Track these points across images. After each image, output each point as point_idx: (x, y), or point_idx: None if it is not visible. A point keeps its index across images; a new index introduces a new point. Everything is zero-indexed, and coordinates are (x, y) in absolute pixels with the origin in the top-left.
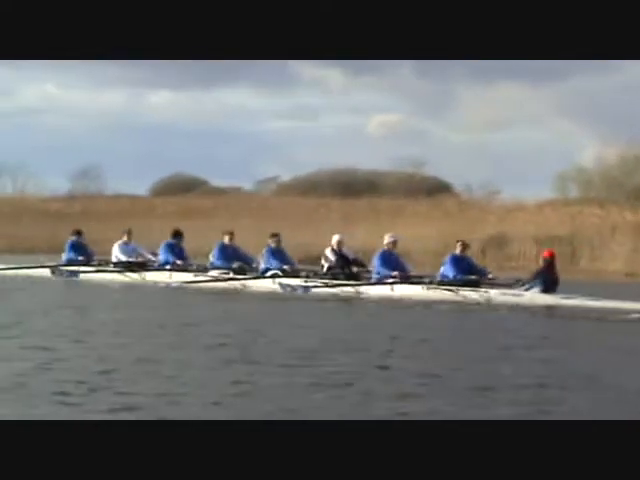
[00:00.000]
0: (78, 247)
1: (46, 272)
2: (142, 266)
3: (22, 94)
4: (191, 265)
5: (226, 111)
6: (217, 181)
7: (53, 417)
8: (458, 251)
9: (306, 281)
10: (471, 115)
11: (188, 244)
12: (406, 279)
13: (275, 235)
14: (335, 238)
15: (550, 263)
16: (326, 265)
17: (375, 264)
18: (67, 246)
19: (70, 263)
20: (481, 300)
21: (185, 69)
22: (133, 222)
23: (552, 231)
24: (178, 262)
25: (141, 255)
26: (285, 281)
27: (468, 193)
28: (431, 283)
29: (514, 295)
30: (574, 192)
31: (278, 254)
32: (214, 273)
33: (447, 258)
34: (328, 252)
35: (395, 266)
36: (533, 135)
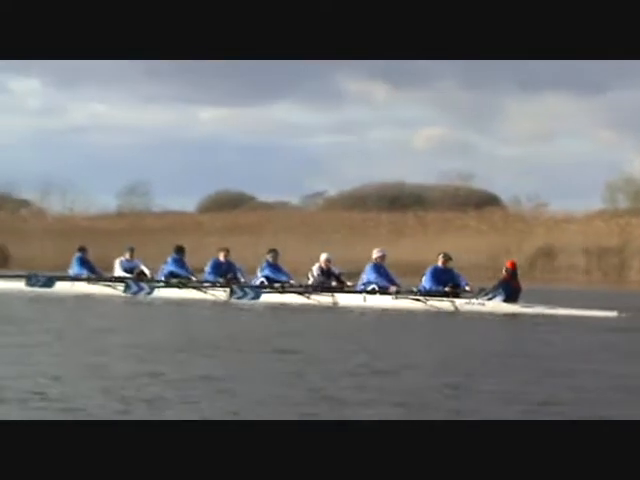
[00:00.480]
0: (83, 262)
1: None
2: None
3: (71, 113)
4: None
5: (273, 126)
6: (264, 196)
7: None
8: (440, 263)
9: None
10: (517, 127)
11: (236, 259)
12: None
13: (272, 250)
14: (323, 256)
15: (512, 273)
16: (310, 280)
17: (365, 276)
18: (74, 261)
19: (76, 277)
20: (447, 309)
21: (232, 85)
22: (181, 239)
23: (601, 242)
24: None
25: (141, 270)
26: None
27: (516, 206)
28: (399, 293)
29: (478, 304)
30: (623, 203)
31: (275, 268)
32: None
33: (427, 270)
34: (315, 269)
35: (385, 278)
36: (579, 146)
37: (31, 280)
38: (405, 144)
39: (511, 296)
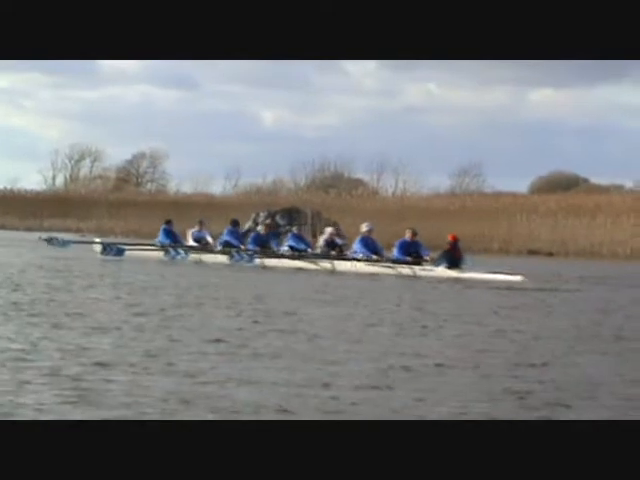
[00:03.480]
0: (168, 233)
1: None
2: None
3: (406, 94)
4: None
5: (609, 108)
6: (598, 179)
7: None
8: (407, 237)
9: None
10: None
11: (574, 242)
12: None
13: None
14: (327, 230)
15: (453, 245)
16: (318, 250)
17: (355, 247)
18: (160, 232)
19: (162, 246)
20: (409, 273)
21: (567, 67)
22: (512, 219)
23: None
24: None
25: (206, 240)
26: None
27: None
28: (377, 261)
29: (429, 270)
30: None
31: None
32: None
33: (397, 242)
34: (322, 240)
35: (370, 249)
36: None
37: (105, 250)
38: None
39: (453, 263)
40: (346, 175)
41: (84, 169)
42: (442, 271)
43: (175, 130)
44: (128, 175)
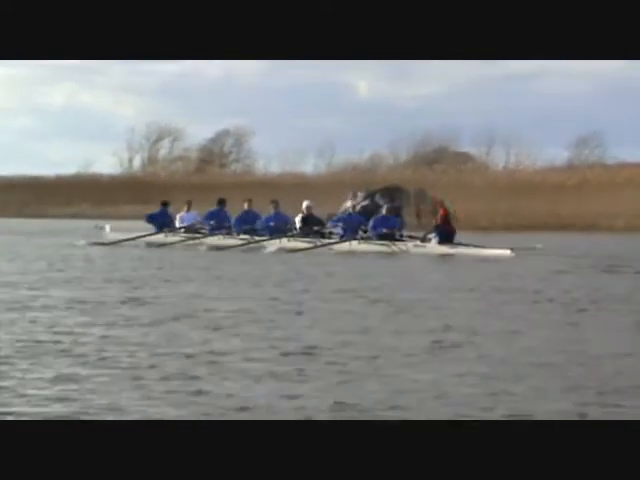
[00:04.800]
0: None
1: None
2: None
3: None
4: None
5: None
6: None
7: None
8: (384, 212)
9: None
10: None
11: None
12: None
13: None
14: (304, 204)
15: (444, 219)
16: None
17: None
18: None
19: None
20: (397, 250)
21: None
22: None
23: None
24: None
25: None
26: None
27: None
28: (362, 239)
29: (419, 246)
30: None
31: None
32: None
33: (375, 218)
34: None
35: (354, 226)
36: None
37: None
38: None
39: (444, 238)
40: (451, 149)
41: (163, 150)
42: (433, 246)
43: (260, 105)
44: (211, 155)
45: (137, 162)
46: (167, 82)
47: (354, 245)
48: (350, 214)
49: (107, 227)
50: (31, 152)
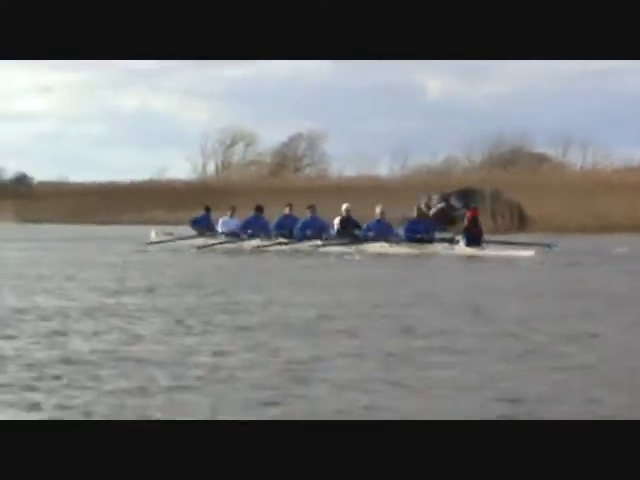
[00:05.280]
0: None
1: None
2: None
3: None
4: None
5: None
6: None
7: None
8: (415, 215)
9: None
10: None
11: None
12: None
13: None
14: (344, 207)
15: (473, 222)
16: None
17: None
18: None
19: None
20: (428, 252)
21: None
22: None
23: None
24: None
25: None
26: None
27: None
28: (393, 242)
29: (448, 249)
30: None
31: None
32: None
33: (406, 222)
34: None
35: (386, 232)
36: None
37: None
38: None
39: (472, 241)
40: (526, 150)
41: (236, 155)
42: (461, 249)
43: (330, 107)
44: (285, 159)
45: (211, 167)
46: (234, 86)
47: (385, 247)
48: (379, 220)
49: (152, 233)
50: (104, 158)
